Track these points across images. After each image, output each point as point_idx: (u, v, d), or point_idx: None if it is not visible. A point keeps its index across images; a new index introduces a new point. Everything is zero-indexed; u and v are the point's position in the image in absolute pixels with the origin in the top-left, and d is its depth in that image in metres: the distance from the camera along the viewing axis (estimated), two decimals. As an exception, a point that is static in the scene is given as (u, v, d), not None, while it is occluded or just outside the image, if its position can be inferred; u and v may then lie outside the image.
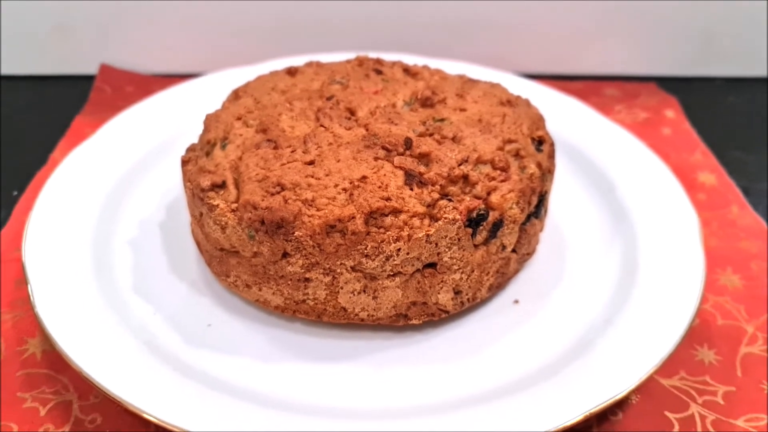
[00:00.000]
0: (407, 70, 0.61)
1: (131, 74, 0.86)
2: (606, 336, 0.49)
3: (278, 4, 0.84)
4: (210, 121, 0.56)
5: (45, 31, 0.84)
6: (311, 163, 0.48)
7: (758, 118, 0.85)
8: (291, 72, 0.61)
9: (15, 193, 0.67)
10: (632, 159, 0.65)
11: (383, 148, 0.49)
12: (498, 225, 0.49)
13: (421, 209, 0.46)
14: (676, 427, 0.48)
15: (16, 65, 0.86)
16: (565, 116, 0.70)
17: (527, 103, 0.59)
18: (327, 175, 0.47)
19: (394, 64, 0.62)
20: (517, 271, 0.55)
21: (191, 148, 0.55)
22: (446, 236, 0.47)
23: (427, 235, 0.46)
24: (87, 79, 0.85)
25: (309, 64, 0.62)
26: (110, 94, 0.83)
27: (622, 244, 0.57)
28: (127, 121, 0.67)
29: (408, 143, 0.49)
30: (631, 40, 0.90)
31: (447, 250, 0.47)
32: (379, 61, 0.62)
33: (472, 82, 0.59)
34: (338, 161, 0.48)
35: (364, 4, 0.84)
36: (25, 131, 0.78)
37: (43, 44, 0.85)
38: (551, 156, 0.55)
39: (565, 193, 0.64)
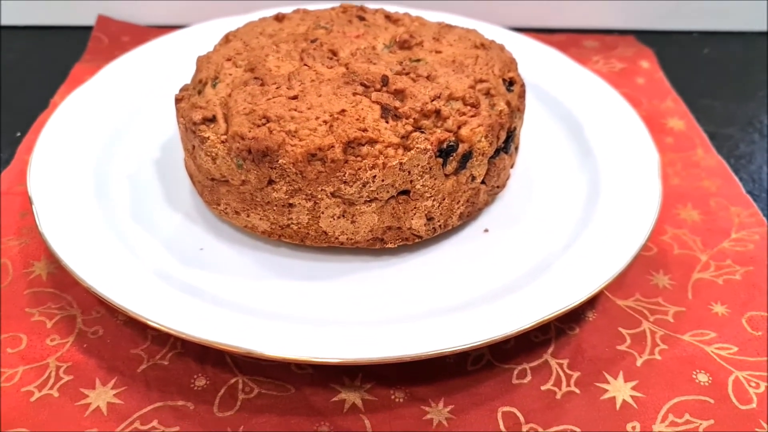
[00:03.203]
0: (389, 17, 0.64)
1: (127, 25, 0.89)
2: (564, 258, 0.53)
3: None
4: (201, 62, 0.59)
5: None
6: (295, 98, 0.52)
7: (730, 68, 0.89)
8: (279, 18, 0.64)
9: (18, 134, 0.71)
10: (601, 102, 0.68)
11: (361, 84, 0.53)
12: (467, 156, 0.53)
13: (395, 140, 0.50)
14: (628, 341, 0.52)
15: (17, 16, 0.89)
16: (539, 63, 0.74)
17: (501, 47, 0.62)
18: (309, 109, 0.51)
19: (376, 11, 0.65)
20: (487, 203, 0.59)
21: (184, 88, 0.59)
22: (418, 165, 0.51)
23: (401, 163, 0.50)
24: (85, 30, 0.89)
25: (296, 11, 0.65)
26: (107, 44, 0.86)
27: (587, 179, 0.61)
28: (124, 65, 0.71)
29: (385, 80, 0.53)
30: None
31: (419, 178, 0.51)
32: (362, 9, 0.65)
33: (449, 27, 0.63)
34: (319, 96, 0.52)
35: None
36: (26, 78, 0.82)
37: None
38: (521, 96, 0.59)
39: (537, 135, 0.67)
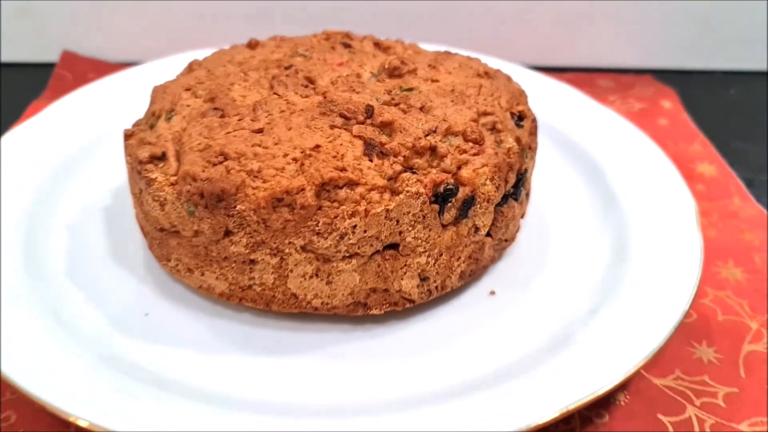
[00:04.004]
0: (378, 44, 0.56)
1: (94, 61, 0.82)
2: (589, 329, 0.43)
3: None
4: (157, 92, 0.51)
5: (6, 18, 0.80)
6: (260, 131, 0.43)
7: (761, 109, 0.81)
8: (251, 45, 0.56)
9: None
10: (624, 143, 0.60)
11: (341, 115, 0.44)
12: (469, 203, 0.44)
13: (380, 182, 0.41)
14: (670, 431, 0.42)
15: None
16: (552, 100, 0.65)
17: (507, 77, 0.54)
18: (276, 144, 0.42)
19: (364, 38, 0.57)
20: (494, 260, 0.50)
21: (137, 123, 0.50)
22: (409, 212, 0.42)
23: (387, 211, 0.41)
24: (50, 67, 0.81)
25: (272, 38, 0.57)
26: (71, 81, 0.78)
27: (612, 232, 0.52)
28: (77, 101, 0.63)
29: (369, 111, 0.44)
30: (626, 32, 0.85)
31: (410, 228, 0.42)
32: (348, 35, 0.57)
33: (448, 54, 0.55)
34: (290, 129, 0.43)
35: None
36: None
37: (5, 31, 0.81)
38: (533, 133, 0.50)
39: (552, 179, 0.59)
